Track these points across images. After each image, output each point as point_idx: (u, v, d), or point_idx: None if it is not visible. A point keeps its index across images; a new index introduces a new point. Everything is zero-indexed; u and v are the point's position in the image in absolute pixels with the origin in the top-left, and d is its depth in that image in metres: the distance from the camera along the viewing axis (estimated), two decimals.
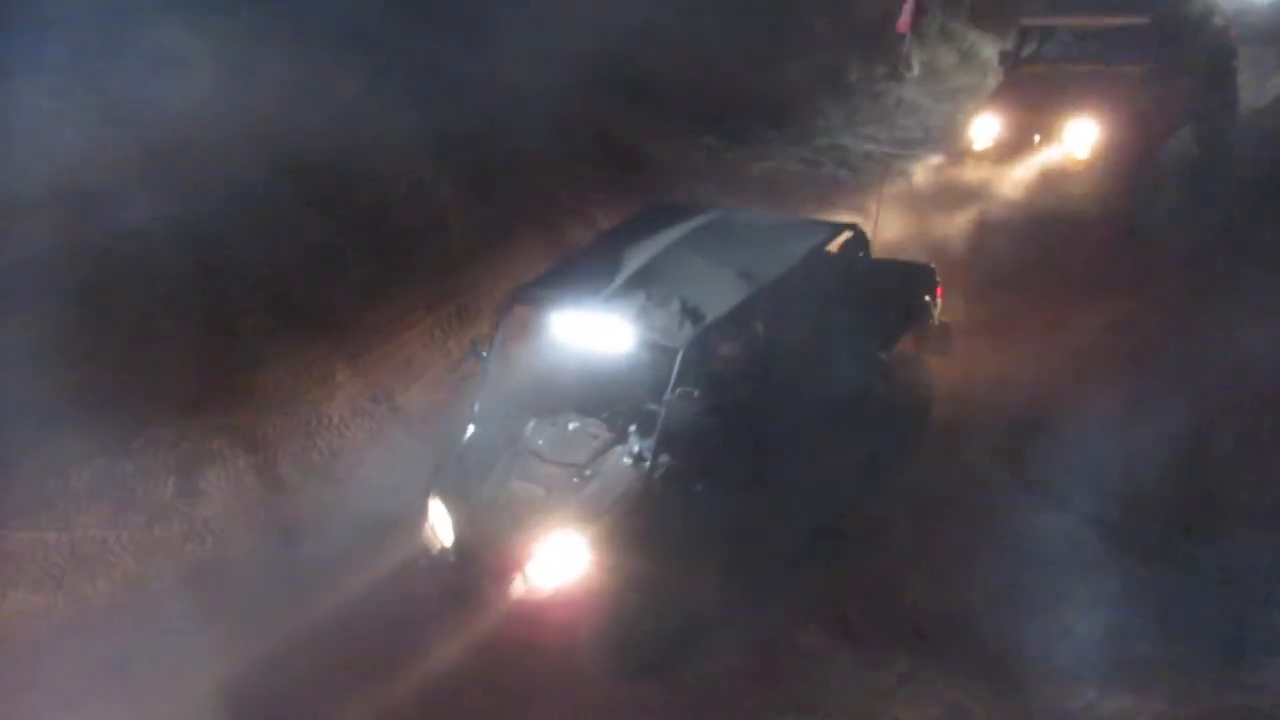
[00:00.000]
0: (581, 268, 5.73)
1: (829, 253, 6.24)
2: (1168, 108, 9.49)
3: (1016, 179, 9.18)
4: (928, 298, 6.89)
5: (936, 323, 6.94)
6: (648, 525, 5.02)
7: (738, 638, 5.55)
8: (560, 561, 4.96)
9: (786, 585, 5.77)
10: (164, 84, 7.71)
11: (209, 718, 5.33)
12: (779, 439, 5.57)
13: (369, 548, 6.04)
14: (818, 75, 12.82)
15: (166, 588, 6.18)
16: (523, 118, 9.41)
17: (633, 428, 5.26)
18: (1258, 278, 7.75)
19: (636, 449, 5.12)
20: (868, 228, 6.94)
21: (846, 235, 6.33)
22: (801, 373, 5.79)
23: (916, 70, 13.50)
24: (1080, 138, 9.00)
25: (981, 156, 9.53)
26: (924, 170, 10.58)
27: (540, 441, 5.36)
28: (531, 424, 5.46)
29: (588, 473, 5.16)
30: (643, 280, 5.36)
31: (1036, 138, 9.16)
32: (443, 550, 5.26)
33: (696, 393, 4.96)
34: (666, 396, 4.97)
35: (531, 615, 5.04)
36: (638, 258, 5.55)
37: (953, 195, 9.62)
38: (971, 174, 9.61)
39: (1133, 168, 9.03)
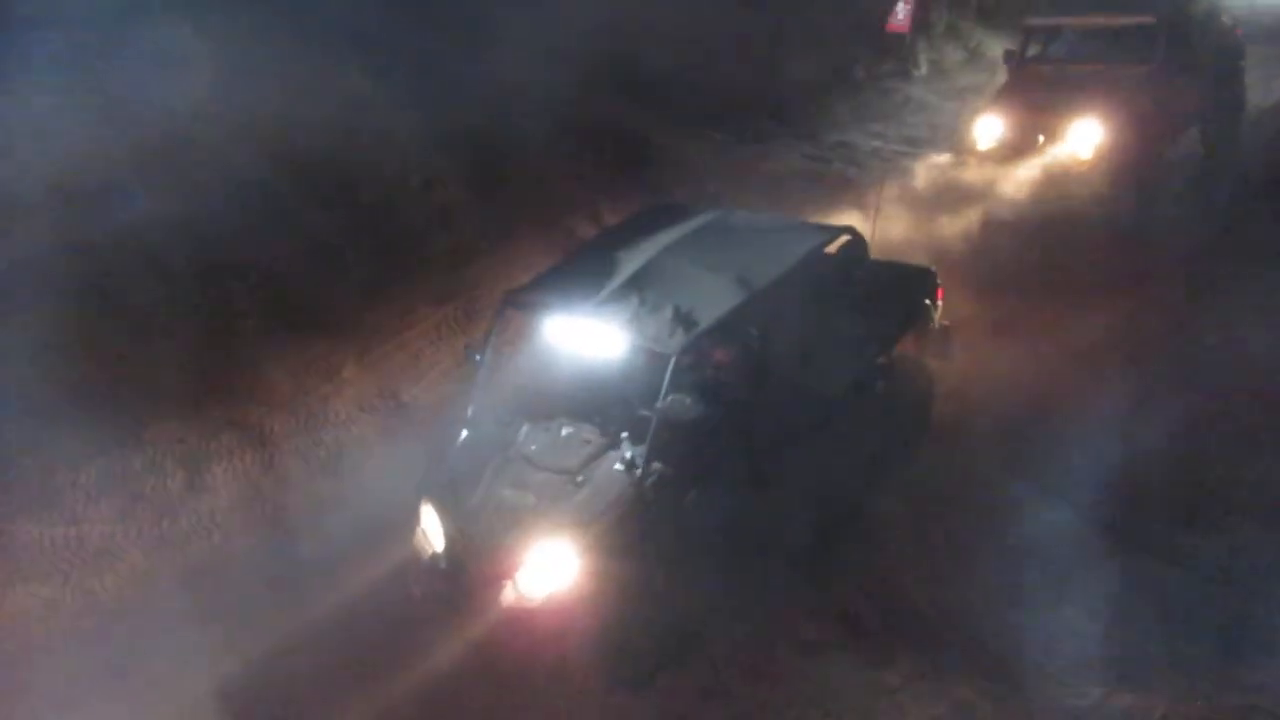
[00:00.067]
0: (576, 271, 5.57)
1: (826, 256, 6.04)
2: (1173, 108, 9.27)
3: (1020, 179, 8.98)
4: (928, 301, 6.71)
5: (937, 326, 6.77)
6: (639, 533, 4.88)
7: (734, 641, 5.42)
8: (550, 570, 4.83)
9: (787, 586, 5.64)
10: (165, 82, 7.59)
11: (209, 713, 5.24)
12: (776, 443, 5.42)
13: (372, 545, 5.91)
14: (825, 72, 12.66)
15: (173, 583, 6.10)
16: (527, 115, 9.27)
17: (625, 434, 5.12)
18: (1259, 277, 7.60)
19: (629, 456, 4.97)
20: (869, 227, 6.80)
21: (844, 238, 6.16)
22: (798, 377, 5.64)
23: (924, 68, 13.32)
24: (1084, 138, 8.78)
25: (985, 157, 9.32)
26: (928, 170, 10.39)
27: (532, 447, 5.21)
28: (524, 429, 5.32)
29: (579, 479, 5.01)
30: (637, 285, 5.20)
31: (1040, 138, 8.94)
32: (433, 556, 5.12)
33: (689, 400, 4.81)
34: (659, 404, 4.83)
35: (522, 623, 4.91)
36: (632, 261, 5.39)
37: (956, 195, 9.43)
38: (975, 174, 9.42)
39: (1137, 169, 8.82)
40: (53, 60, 7.29)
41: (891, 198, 9.11)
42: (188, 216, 7.19)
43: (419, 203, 8.72)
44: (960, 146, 10.14)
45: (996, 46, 12.93)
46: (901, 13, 12.66)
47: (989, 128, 9.31)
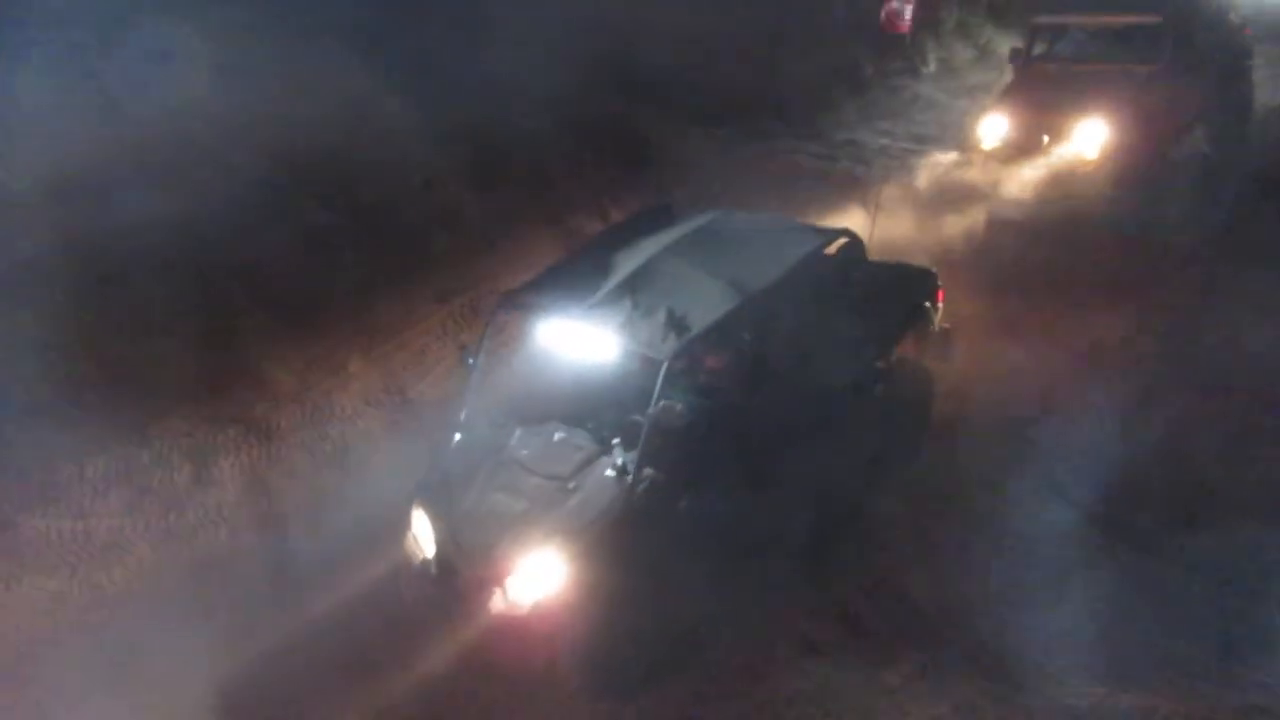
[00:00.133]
0: (570, 274, 5.40)
1: (823, 259, 5.86)
2: (1179, 107, 9.03)
3: (1024, 179, 8.77)
4: (928, 303, 6.53)
5: (937, 328, 6.59)
6: (630, 540, 4.73)
7: (730, 644, 5.30)
8: (539, 577, 4.69)
9: (787, 587, 5.52)
10: (166, 81, 7.45)
11: (210, 708, 5.16)
12: (773, 447, 5.26)
13: (376, 541, 5.78)
14: (833, 70, 12.42)
15: (180, 577, 6.04)
16: (529, 113, 9.12)
17: (616, 440, 4.98)
18: (1260, 278, 7.40)
19: (620, 462, 4.82)
20: (869, 228, 6.64)
21: (842, 240, 5.99)
22: (794, 381, 5.48)
23: (933, 65, 13.06)
24: (1089, 138, 8.56)
25: (990, 156, 9.10)
26: (934, 168, 10.17)
27: (525, 451, 5.07)
28: (517, 433, 5.18)
29: (571, 485, 4.87)
30: (630, 288, 5.05)
31: (1045, 138, 8.72)
32: (424, 562, 4.99)
33: (680, 406, 4.65)
34: (650, 410, 4.68)
35: (511, 631, 4.77)
36: (627, 264, 5.23)
37: (959, 194, 9.22)
38: (979, 174, 9.21)
39: (1142, 168, 8.59)
40: (50, 59, 7.16)
41: (894, 197, 8.95)
42: (189, 214, 7.07)
43: (422, 200, 8.57)
44: (967, 145, 9.91)
45: (1006, 44, 12.59)
46: (907, 13, 12.38)
47: (994, 127, 9.08)
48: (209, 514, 6.44)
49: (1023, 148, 8.88)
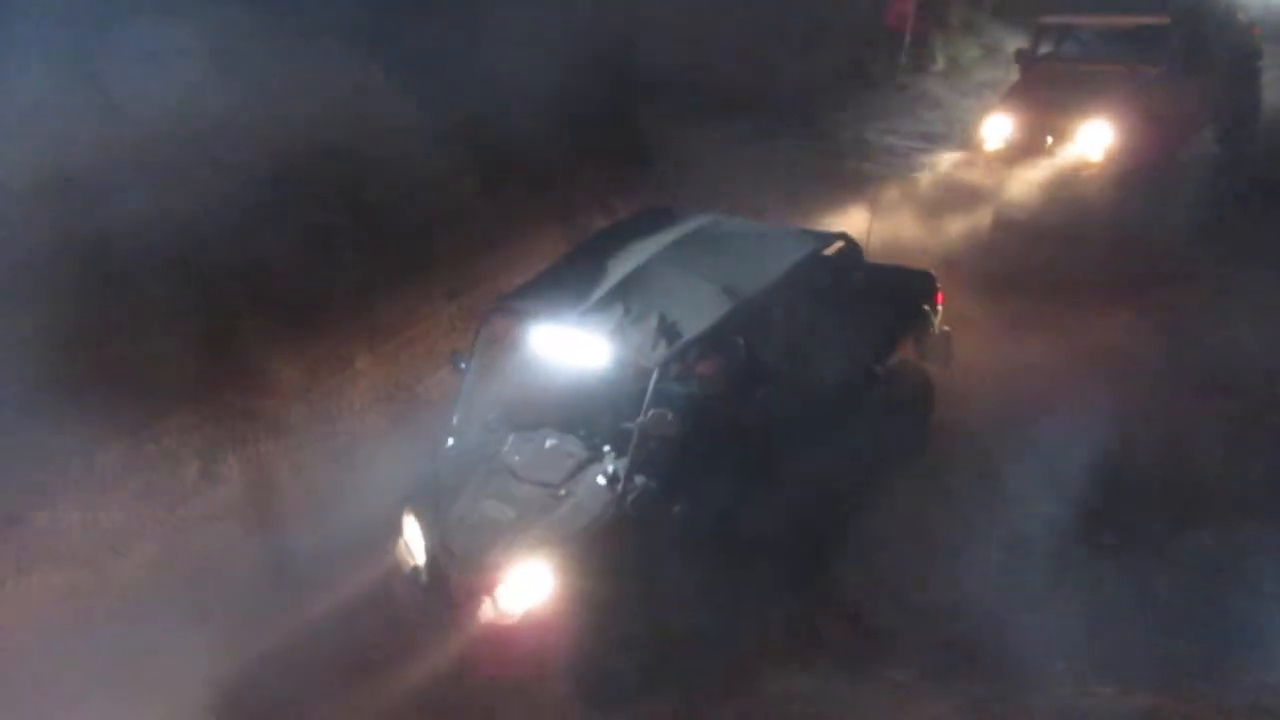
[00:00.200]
0: (565, 277, 5.25)
1: (818, 263, 5.64)
2: (1186, 110, 8.76)
3: (1026, 180, 8.54)
4: (927, 306, 6.34)
5: (937, 331, 6.40)
6: (620, 549, 4.58)
7: (729, 645, 5.17)
8: (528, 587, 4.54)
9: (786, 587, 5.38)
10: (169, 79, 7.35)
11: (211, 704, 5.10)
12: (769, 452, 5.12)
13: (382, 540, 5.59)
14: (841, 67, 12.19)
15: (187, 570, 5.98)
16: (535, 111, 8.94)
17: (607, 447, 4.83)
18: (1260, 278, 7.24)
19: (611, 470, 4.68)
20: (874, 227, 6.49)
21: (837, 245, 5.80)
22: (789, 386, 5.32)
23: (941, 63, 12.78)
24: (1094, 140, 8.31)
25: (993, 157, 8.86)
26: (935, 169, 9.96)
27: (516, 458, 4.92)
28: (510, 439, 5.03)
29: (562, 493, 4.71)
30: (623, 294, 4.89)
31: (1049, 139, 8.47)
32: (414, 569, 4.86)
33: (670, 415, 4.50)
34: (640, 419, 4.54)
35: (500, 641, 4.63)
36: (620, 269, 5.08)
37: (961, 196, 9.00)
38: (982, 175, 8.98)
39: (1147, 170, 8.34)
40: (51, 58, 7.05)
41: (896, 197, 8.78)
42: (190, 213, 6.99)
43: (428, 197, 8.44)
44: (970, 145, 9.69)
45: (1015, 42, 12.32)
46: (906, 11, 12.10)
47: (997, 127, 8.83)
48: (216, 509, 6.37)
49: (1026, 149, 8.63)
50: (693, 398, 5.04)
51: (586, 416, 5.09)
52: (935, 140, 11.04)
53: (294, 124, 7.52)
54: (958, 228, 8.64)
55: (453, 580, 4.69)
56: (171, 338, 6.57)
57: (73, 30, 7.14)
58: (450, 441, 5.15)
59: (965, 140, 10.35)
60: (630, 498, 4.64)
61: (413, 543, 4.95)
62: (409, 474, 5.58)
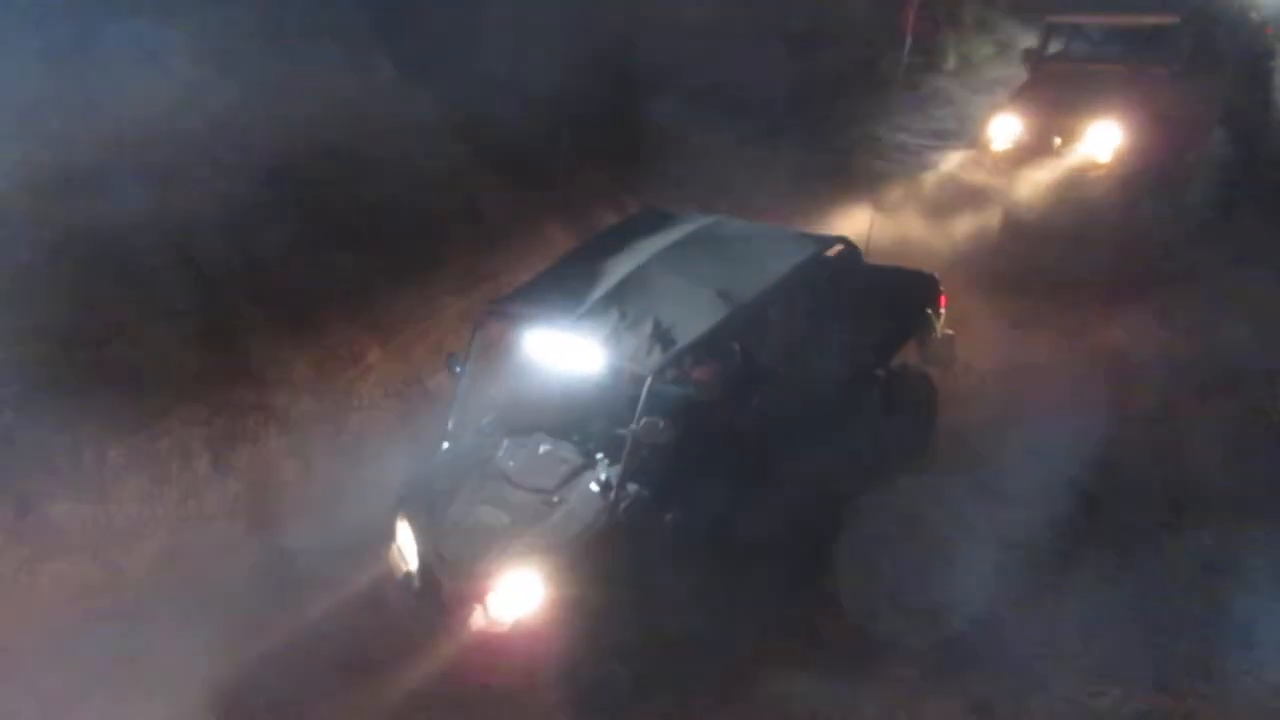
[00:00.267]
0: (559, 281, 5.12)
1: (817, 266, 5.48)
2: (1197, 110, 8.45)
3: (1034, 181, 8.28)
4: (929, 309, 6.18)
5: (939, 334, 6.24)
6: (613, 555, 4.46)
7: (727, 647, 5.07)
8: (520, 595, 4.43)
9: (786, 588, 5.29)
10: (167, 79, 7.29)
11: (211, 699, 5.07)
12: (767, 457, 4.99)
13: (382, 540, 5.61)
14: (852, 64, 11.94)
15: (198, 562, 5.94)
16: (538, 109, 8.82)
17: (600, 454, 4.71)
18: (1262, 277, 7.13)
19: (604, 476, 4.56)
20: (878, 227, 6.35)
21: (837, 248, 5.63)
22: (787, 390, 5.18)
23: (953, 61, 12.50)
24: (1102, 141, 8.04)
25: (1000, 157, 8.61)
26: (943, 168, 9.72)
27: (510, 464, 4.80)
28: (504, 444, 4.91)
29: (555, 499, 4.59)
30: (618, 298, 4.77)
31: (1057, 140, 8.21)
32: (407, 575, 4.75)
33: (662, 422, 4.37)
34: (632, 426, 4.41)
35: (492, 649, 4.52)
36: (616, 272, 4.95)
37: (967, 196, 8.79)
38: (988, 175, 8.74)
39: (1155, 173, 8.08)
40: (50, 57, 6.97)
41: (901, 197, 8.59)
42: (191, 211, 6.91)
43: (442, 192, 8.30)
44: (977, 145, 9.45)
45: (1028, 39, 12.06)
46: (912, 9, 11.81)
47: (1005, 127, 8.56)
48: (226, 501, 6.32)
49: (1034, 149, 8.35)
50: (688, 403, 4.90)
51: (580, 422, 4.98)
52: (946, 138, 10.77)
53: (294, 124, 7.43)
54: (964, 228, 8.46)
55: (445, 587, 4.58)
56: (177, 335, 6.53)
57: (73, 30, 7.05)
58: (445, 445, 5.04)
59: (977, 138, 10.12)
60: (623, 505, 4.52)
61: (405, 548, 4.85)
62: (403, 477, 5.52)
